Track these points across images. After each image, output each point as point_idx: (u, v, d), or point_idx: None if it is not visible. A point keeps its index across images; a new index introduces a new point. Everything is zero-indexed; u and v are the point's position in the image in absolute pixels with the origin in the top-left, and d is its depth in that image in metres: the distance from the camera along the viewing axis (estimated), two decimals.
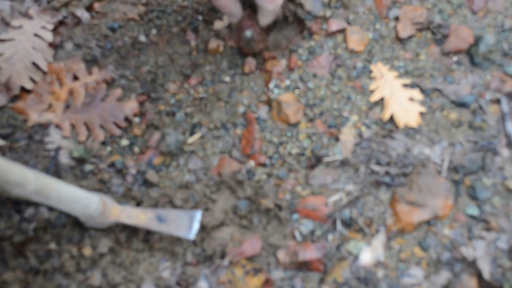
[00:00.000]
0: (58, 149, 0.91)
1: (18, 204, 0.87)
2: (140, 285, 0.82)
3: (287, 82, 0.95)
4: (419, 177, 0.86)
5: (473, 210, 0.85)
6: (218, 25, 1.02)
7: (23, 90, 0.97)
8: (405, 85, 0.94)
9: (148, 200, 0.87)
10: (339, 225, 0.85)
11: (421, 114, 0.92)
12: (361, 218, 0.85)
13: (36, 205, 0.86)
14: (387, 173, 0.87)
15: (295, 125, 0.93)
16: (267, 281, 0.83)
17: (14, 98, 0.97)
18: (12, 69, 0.98)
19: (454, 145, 0.89)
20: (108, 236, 0.85)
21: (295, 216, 0.86)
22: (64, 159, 0.91)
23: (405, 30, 0.98)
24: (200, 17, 1.04)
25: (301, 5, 0.99)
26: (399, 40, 0.98)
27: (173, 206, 0.86)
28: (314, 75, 0.96)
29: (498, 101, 0.92)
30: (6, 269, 0.82)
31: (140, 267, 0.83)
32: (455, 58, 0.96)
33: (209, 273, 0.83)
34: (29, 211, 0.86)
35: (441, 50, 0.97)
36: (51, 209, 0.86)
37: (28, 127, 0.94)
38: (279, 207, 0.86)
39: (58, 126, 0.94)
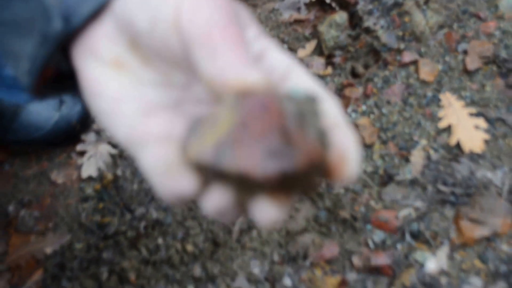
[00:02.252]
0: None
1: (129, 204, 1.06)
2: (234, 279, 0.99)
3: (363, 107, 1.11)
4: (482, 198, 1.00)
5: None
6: (301, 53, 1.18)
7: None
8: (471, 114, 1.08)
9: None
10: (407, 237, 1.00)
11: (485, 141, 1.06)
12: (427, 232, 1.00)
13: (146, 206, 1.05)
14: (452, 193, 1.01)
15: (370, 146, 1.08)
16: (343, 282, 0.99)
17: None
18: None
19: None
20: (206, 235, 1.02)
21: (369, 226, 1.02)
22: None
23: (472, 63, 1.12)
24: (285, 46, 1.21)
25: (377, 38, 1.15)
26: (467, 72, 1.12)
27: None
28: (388, 102, 1.11)
29: None
30: (123, 259, 1.01)
31: (234, 263, 1.01)
32: None
33: (292, 272, 1.00)
34: (139, 211, 1.05)
35: (506, 82, 1.11)
36: (158, 210, 1.04)
37: None
38: (355, 218, 1.02)
39: None
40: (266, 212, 0.29)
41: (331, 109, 0.32)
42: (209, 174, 0.28)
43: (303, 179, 0.27)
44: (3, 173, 1.12)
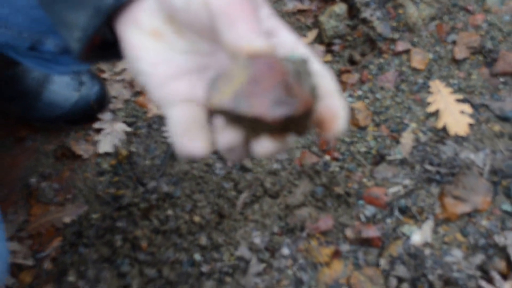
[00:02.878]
0: None
1: (142, 178, 1.16)
2: (237, 247, 1.10)
3: (359, 92, 1.21)
4: (464, 177, 1.10)
5: (507, 207, 1.09)
6: (303, 41, 1.28)
7: None
8: (458, 100, 1.18)
9: (244, 182, 1.15)
10: (396, 212, 1.10)
11: (470, 125, 1.16)
12: (414, 207, 1.10)
13: (157, 180, 1.15)
14: (438, 172, 1.12)
15: (364, 128, 1.18)
16: (336, 252, 1.09)
17: (137, 93, 1.26)
18: None
19: (495, 152, 1.13)
20: (212, 208, 1.13)
21: (361, 202, 1.12)
22: None
23: (460, 53, 1.22)
24: None
25: (373, 28, 1.24)
26: (455, 61, 1.22)
27: (264, 188, 1.14)
28: (382, 88, 1.21)
29: None
30: (136, 228, 1.12)
31: (237, 234, 1.11)
32: (502, 79, 1.20)
33: (290, 242, 1.11)
34: (151, 184, 1.15)
35: (490, 71, 1.20)
36: (168, 184, 1.15)
37: (148, 117, 1.23)
38: (348, 194, 1.13)
39: None
40: (266, 146, 0.38)
41: (321, 71, 0.43)
42: (228, 117, 0.38)
43: (298, 123, 0.37)
44: (26, 147, 1.22)
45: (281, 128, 0.36)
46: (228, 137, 0.39)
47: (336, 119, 0.40)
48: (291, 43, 0.44)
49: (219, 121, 0.40)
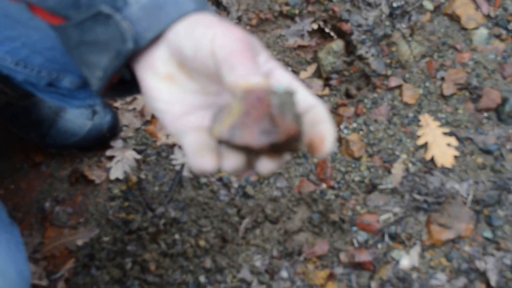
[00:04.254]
0: (182, 166, 1.31)
1: (151, 204, 1.28)
2: (239, 270, 1.22)
3: (354, 125, 1.33)
4: (449, 206, 1.23)
5: (488, 234, 1.21)
6: (303, 75, 1.40)
7: (153, 116, 1.38)
8: (445, 133, 1.31)
9: (246, 208, 1.27)
10: (386, 237, 1.23)
11: (455, 157, 1.28)
12: (403, 234, 1.22)
13: (165, 206, 1.27)
14: (425, 201, 1.24)
15: (358, 158, 1.31)
16: (331, 275, 1.21)
17: (146, 123, 1.38)
18: None
19: (478, 183, 1.25)
20: (216, 232, 1.25)
21: (354, 228, 1.24)
22: (185, 172, 1.31)
23: (448, 89, 1.35)
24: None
25: (368, 64, 1.37)
26: (443, 96, 1.35)
27: (264, 214, 1.26)
28: (375, 121, 1.34)
29: None
30: (145, 251, 1.23)
31: (240, 257, 1.23)
32: (485, 114, 1.32)
33: (289, 265, 1.23)
34: (159, 210, 1.27)
35: (475, 107, 1.33)
36: (176, 209, 1.27)
37: (157, 146, 1.35)
38: (343, 221, 1.25)
39: (180, 147, 1.34)
40: (266, 165, 0.48)
41: (312, 101, 0.52)
42: (227, 145, 0.48)
43: (287, 146, 0.46)
44: (41, 173, 1.34)
45: (272, 151, 0.46)
46: (232, 159, 0.49)
47: (323, 142, 0.49)
48: (286, 81, 0.54)
49: (223, 146, 0.50)
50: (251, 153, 0.47)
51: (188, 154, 0.51)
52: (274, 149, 0.46)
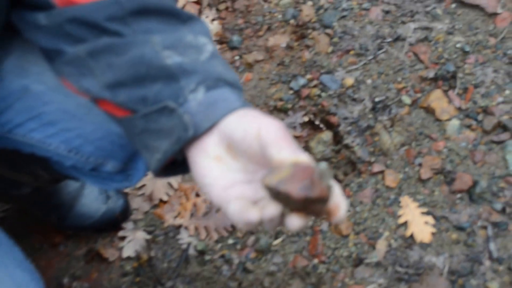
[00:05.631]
0: (188, 245, 1.71)
1: (161, 279, 1.67)
2: None
3: None
4: (428, 276, 1.62)
5: None
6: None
7: (161, 201, 1.79)
8: (423, 213, 1.72)
9: (246, 281, 1.65)
10: None
11: (432, 233, 1.69)
12: None
13: (174, 280, 1.65)
14: (406, 273, 1.63)
15: (346, 236, 1.71)
16: None
17: (154, 206, 1.79)
18: (153, 186, 1.80)
19: (453, 256, 1.65)
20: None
21: None
22: (191, 250, 1.71)
23: (425, 173, 1.77)
24: None
25: (354, 152, 1.80)
26: (421, 180, 1.77)
27: (263, 286, 1.64)
28: (361, 202, 1.75)
29: (485, 228, 1.69)
30: None
31: None
32: (458, 195, 1.74)
33: None
34: (168, 284, 1.65)
35: (450, 189, 1.75)
36: (183, 283, 1.65)
37: (164, 227, 1.75)
38: None
39: (186, 228, 1.74)
40: (294, 221, 0.67)
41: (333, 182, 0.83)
42: (271, 193, 0.66)
43: (315, 205, 0.66)
44: (59, 252, 1.73)
45: (303, 206, 0.71)
46: (270, 209, 0.73)
47: (339, 210, 0.75)
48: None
49: (266, 197, 0.70)
50: (287, 206, 0.68)
51: (234, 216, 0.72)
52: (305, 206, 0.67)
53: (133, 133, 0.84)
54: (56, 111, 1.09)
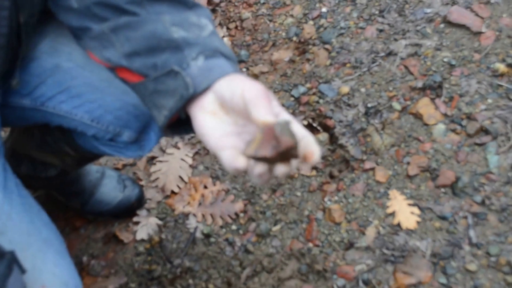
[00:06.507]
0: (195, 228, 1.89)
1: (169, 257, 1.84)
2: None
3: (336, 198, 1.93)
4: (412, 258, 1.78)
5: (443, 280, 1.75)
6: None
7: (172, 192, 1.98)
8: (409, 204, 1.89)
9: (247, 261, 1.82)
10: (360, 283, 1.76)
11: (417, 222, 1.85)
12: (374, 280, 1.76)
13: (182, 258, 1.83)
14: (392, 255, 1.79)
15: (339, 224, 1.88)
16: None
17: (166, 197, 1.98)
18: (166, 179, 2.00)
19: (435, 241, 1.81)
20: (223, 280, 1.79)
21: (335, 276, 1.79)
22: (198, 234, 1.88)
23: (412, 170, 1.95)
24: None
25: (348, 151, 1.99)
26: (409, 176, 1.95)
27: (262, 266, 1.81)
28: (353, 195, 1.93)
29: (466, 218, 1.85)
30: None
31: None
32: (442, 190, 1.91)
33: None
34: (177, 261, 1.83)
35: (434, 184, 1.92)
36: (190, 261, 1.82)
37: (175, 214, 1.94)
38: (325, 270, 1.79)
39: (194, 215, 1.93)
40: (280, 169, 0.89)
41: (300, 128, 0.96)
42: (254, 159, 0.84)
43: (289, 153, 0.82)
44: (80, 234, 1.92)
45: (281, 158, 0.89)
46: (258, 168, 0.93)
47: (313, 154, 0.91)
48: (288, 119, 0.98)
49: (251, 161, 0.94)
50: (269, 163, 0.85)
51: (225, 161, 0.88)
52: (282, 157, 0.83)
53: (145, 95, 1.02)
54: (82, 84, 1.27)
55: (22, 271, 1.06)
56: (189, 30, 1.02)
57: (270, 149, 0.83)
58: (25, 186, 1.27)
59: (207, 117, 0.94)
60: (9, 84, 1.23)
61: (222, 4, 2.33)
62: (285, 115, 0.92)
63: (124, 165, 2.04)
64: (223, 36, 2.24)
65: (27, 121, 1.37)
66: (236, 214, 1.92)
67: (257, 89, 0.90)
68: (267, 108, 0.87)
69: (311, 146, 0.88)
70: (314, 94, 2.10)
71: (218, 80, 0.94)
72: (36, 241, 1.20)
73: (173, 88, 0.96)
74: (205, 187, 1.98)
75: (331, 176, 1.98)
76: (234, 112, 0.93)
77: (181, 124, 1.05)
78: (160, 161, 2.03)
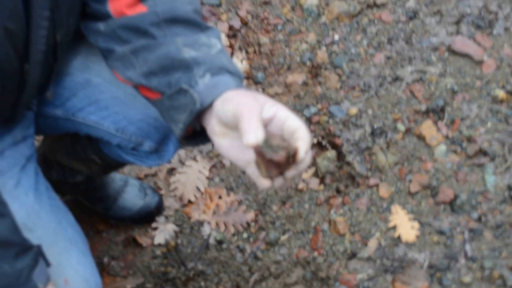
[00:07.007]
0: (209, 235, 2.03)
1: (184, 261, 1.98)
2: None
3: (341, 210, 2.05)
4: (410, 269, 1.90)
5: None
6: (305, 175, 2.16)
7: (189, 201, 2.12)
8: (410, 219, 2.01)
9: (256, 267, 1.95)
10: None
11: (416, 236, 1.97)
12: None
13: (195, 262, 1.97)
14: (392, 265, 1.91)
15: (343, 235, 2.00)
16: None
17: (184, 205, 2.12)
18: (184, 189, 2.14)
19: (433, 254, 1.93)
20: (232, 283, 1.92)
21: (337, 283, 1.91)
22: (211, 240, 2.02)
23: (414, 187, 2.07)
24: None
25: (354, 168, 2.12)
26: (410, 193, 2.07)
27: (269, 271, 1.93)
28: (357, 209, 2.05)
29: (463, 233, 1.97)
30: None
31: None
32: (442, 206, 2.03)
33: None
34: (190, 265, 1.96)
35: (434, 201, 2.05)
36: (203, 265, 1.96)
37: (191, 222, 2.08)
38: (329, 278, 1.91)
39: (208, 223, 2.06)
40: (290, 173, 0.96)
41: (299, 125, 1.05)
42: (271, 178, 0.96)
43: (289, 160, 0.93)
44: (102, 237, 2.06)
45: (281, 168, 0.99)
46: (277, 182, 1.01)
47: (303, 163, 1.01)
48: (284, 116, 0.98)
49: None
50: (282, 173, 0.96)
51: (254, 178, 1.01)
52: (280, 167, 0.94)
53: (163, 110, 1.12)
54: (109, 98, 1.40)
55: (47, 264, 1.17)
56: (199, 49, 1.10)
57: (274, 167, 0.94)
58: (54, 191, 1.39)
59: (220, 140, 1.04)
60: (44, 96, 1.36)
61: (242, 30, 2.49)
62: (284, 112, 1.00)
63: (146, 175, 2.18)
64: (242, 59, 2.40)
65: (59, 130, 1.49)
66: (248, 223, 2.05)
67: (243, 107, 0.95)
68: (250, 128, 0.92)
69: (304, 156, 0.97)
70: (324, 114, 2.24)
71: (218, 98, 1.01)
72: (62, 240, 1.33)
73: (184, 104, 1.04)
74: (220, 197, 2.12)
75: (338, 191, 2.11)
76: (229, 127, 1.02)
77: (197, 135, 1.14)
78: (179, 173, 2.18)
